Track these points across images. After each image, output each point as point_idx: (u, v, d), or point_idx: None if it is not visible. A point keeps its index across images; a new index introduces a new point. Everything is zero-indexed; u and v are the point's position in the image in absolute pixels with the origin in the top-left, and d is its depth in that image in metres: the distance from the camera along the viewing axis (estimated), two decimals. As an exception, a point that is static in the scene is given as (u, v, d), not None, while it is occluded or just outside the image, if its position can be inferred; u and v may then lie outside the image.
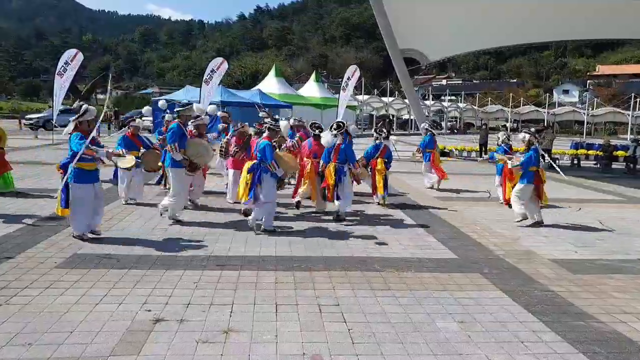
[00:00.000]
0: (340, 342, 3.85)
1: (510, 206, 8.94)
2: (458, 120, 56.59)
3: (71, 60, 19.27)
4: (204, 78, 19.42)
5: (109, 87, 22.80)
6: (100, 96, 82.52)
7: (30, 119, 32.01)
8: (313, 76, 38.25)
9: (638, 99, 43.46)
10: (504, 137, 10.19)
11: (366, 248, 6.59)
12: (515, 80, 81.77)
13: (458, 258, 6.30)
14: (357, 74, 19.87)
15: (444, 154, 21.33)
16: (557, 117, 49.61)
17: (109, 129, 30.50)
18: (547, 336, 4.08)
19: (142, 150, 8.69)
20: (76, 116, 6.43)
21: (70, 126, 6.44)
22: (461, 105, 54.70)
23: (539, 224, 8.15)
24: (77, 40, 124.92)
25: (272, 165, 7.00)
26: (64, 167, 6.51)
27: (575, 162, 20.51)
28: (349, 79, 19.81)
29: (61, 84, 19.37)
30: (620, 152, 20.07)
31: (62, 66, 19.08)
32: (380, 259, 6.05)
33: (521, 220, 8.22)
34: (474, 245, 6.98)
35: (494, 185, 10.66)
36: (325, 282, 5.19)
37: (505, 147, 9.99)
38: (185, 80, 62.48)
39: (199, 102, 19.20)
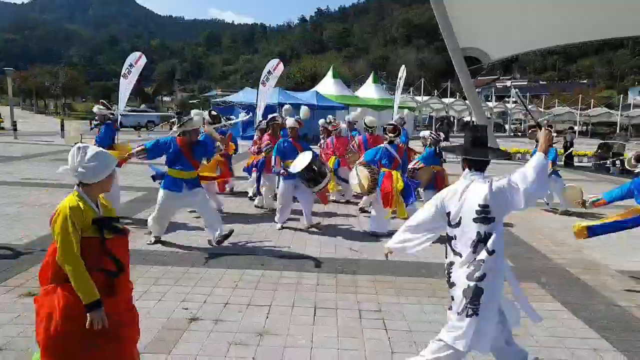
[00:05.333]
0: (378, 350, 3.63)
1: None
2: (522, 122, 54.25)
3: (135, 63, 20.03)
4: (261, 80, 19.63)
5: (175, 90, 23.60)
6: (165, 98, 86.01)
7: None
8: (371, 77, 37.84)
9: None
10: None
11: (413, 252, 6.27)
12: (585, 81, 77.35)
13: (514, 266, 5.87)
14: (404, 74, 19.70)
15: (506, 156, 20.42)
16: (632, 120, 46.39)
17: (170, 129, 31.63)
18: (610, 355, 3.66)
19: None
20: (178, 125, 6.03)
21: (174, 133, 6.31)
22: (526, 107, 52.37)
23: None
24: (146, 45, 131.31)
25: None
26: None
27: (652, 167, 18.99)
28: (400, 78, 19.65)
29: (126, 86, 20.24)
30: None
31: (127, 68, 19.86)
32: (429, 265, 5.73)
33: None
34: (533, 253, 6.51)
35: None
36: (369, 286, 4.97)
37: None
38: (247, 82, 63.82)
39: (256, 103, 19.50)
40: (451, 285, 2.95)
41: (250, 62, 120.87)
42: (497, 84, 74.91)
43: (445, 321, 4.18)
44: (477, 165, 3.00)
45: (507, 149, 20.84)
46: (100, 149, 2.73)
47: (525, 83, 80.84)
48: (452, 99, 44.65)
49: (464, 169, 3.07)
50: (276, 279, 5.11)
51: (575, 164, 19.50)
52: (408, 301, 4.60)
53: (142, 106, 49.36)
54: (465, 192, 2.93)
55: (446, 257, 3.03)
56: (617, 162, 17.52)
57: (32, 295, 4.44)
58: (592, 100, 51.03)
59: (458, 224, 2.93)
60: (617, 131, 37.92)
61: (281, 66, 20.47)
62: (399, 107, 22.26)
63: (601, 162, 18.34)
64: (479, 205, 2.84)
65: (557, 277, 5.49)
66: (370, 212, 7.63)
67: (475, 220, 2.84)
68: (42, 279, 2.69)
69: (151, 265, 5.37)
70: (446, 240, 3.02)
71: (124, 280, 2.75)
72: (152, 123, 36.93)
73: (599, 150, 18.66)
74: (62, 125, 27.41)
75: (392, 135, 7.23)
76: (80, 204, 2.60)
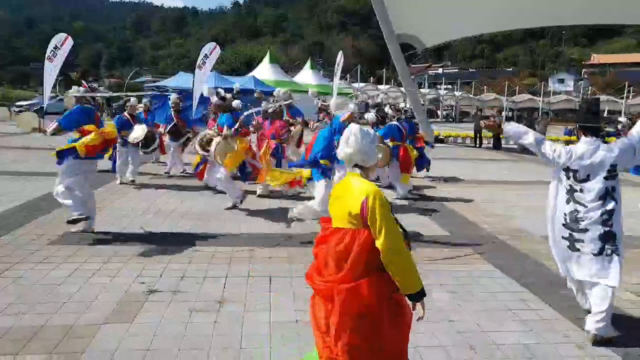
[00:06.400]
0: (332, 310, 3.89)
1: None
2: (454, 108, 56.51)
3: (61, 45, 18.94)
4: (197, 63, 19.14)
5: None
6: (92, 84, 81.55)
7: (20, 106, 31.73)
8: (308, 63, 37.97)
9: (631, 88, 43.56)
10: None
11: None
12: (511, 69, 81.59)
13: (450, 235, 6.35)
14: (342, 60, 20.01)
15: (439, 140, 21.46)
16: (552, 106, 49.62)
17: (101, 116, 30.20)
18: (535, 304, 4.15)
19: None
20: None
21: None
22: (457, 93, 54.55)
23: None
24: (68, 28, 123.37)
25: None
26: None
27: (569, 147, 20.61)
28: (338, 64, 19.93)
29: (51, 69, 19.12)
30: (612, 138, 20.18)
31: (52, 50, 18.73)
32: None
33: None
34: (467, 223, 7.04)
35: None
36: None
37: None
38: (180, 68, 61.97)
39: (192, 88, 19.11)
40: (582, 230, 3.56)
41: (182, 47, 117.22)
42: (429, 72, 77.24)
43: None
44: (592, 132, 3.64)
45: (440, 133, 21.93)
46: (366, 128, 2.54)
47: (457, 70, 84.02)
48: (387, 86, 45.72)
49: (579, 137, 3.74)
50: (229, 254, 5.24)
51: (503, 145, 20.74)
52: (357, 268, 4.90)
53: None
54: (595, 155, 3.55)
55: (564, 205, 3.66)
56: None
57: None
58: (517, 87, 54.00)
59: (585, 180, 3.58)
60: (540, 116, 40.41)
61: (218, 50, 20.03)
62: (338, 94, 22.67)
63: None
64: (610, 166, 3.52)
65: (490, 243, 6.00)
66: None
67: (606, 177, 3.52)
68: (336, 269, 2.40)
69: (101, 246, 5.34)
70: (566, 191, 3.67)
71: None
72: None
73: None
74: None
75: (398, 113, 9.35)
76: None
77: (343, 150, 2.49)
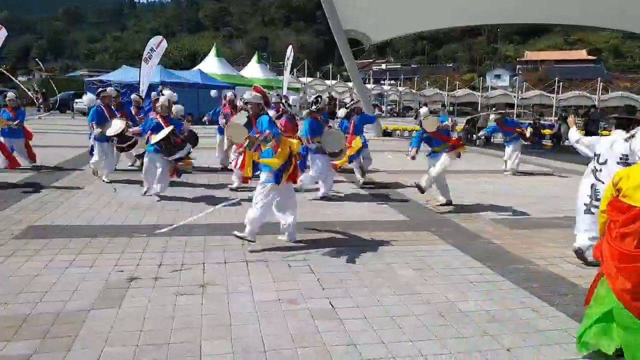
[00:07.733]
0: (311, 288, 4.16)
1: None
2: (397, 103, 57.99)
3: (-7, 36, 17.98)
4: (144, 57, 18.72)
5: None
6: (21, 78, 77.15)
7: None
8: (255, 57, 37.86)
9: (561, 84, 46.48)
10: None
11: (326, 213, 6.93)
12: (451, 65, 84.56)
13: (409, 220, 6.77)
14: (292, 54, 20.27)
15: (386, 134, 22.19)
16: (490, 100, 51.99)
17: (38, 111, 28.81)
18: (493, 277, 4.58)
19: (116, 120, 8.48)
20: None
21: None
22: (400, 89, 56.03)
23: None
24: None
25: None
26: None
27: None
28: (288, 58, 20.15)
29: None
30: (546, 131, 21.59)
31: (-17, 42, 17.75)
32: (340, 222, 6.40)
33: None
34: (422, 209, 7.49)
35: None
36: (291, 242, 5.46)
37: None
38: (117, 62, 59.79)
39: (139, 83, 18.64)
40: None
41: (119, 40, 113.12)
42: (373, 67, 78.67)
43: (363, 262, 4.85)
44: (620, 126, 4.80)
45: (388, 127, 22.66)
46: None
47: (399, 66, 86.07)
48: (334, 81, 46.30)
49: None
50: (202, 242, 5.38)
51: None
52: (328, 251, 5.18)
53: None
54: (613, 144, 4.75)
55: (588, 187, 4.96)
56: (482, 134, 19.92)
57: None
58: (458, 82, 56.15)
59: (605, 163, 4.80)
60: (479, 110, 42.17)
61: (164, 43, 19.70)
62: (288, 88, 22.85)
63: (468, 135, 20.69)
64: (622, 154, 4.66)
65: (445, 226, 6.46)
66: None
67: (618, 163, 4.64)
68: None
69: (70, 239, 5.32)
70: (591, 171, 4.98)
71: None
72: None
73: (466, 126, 20.97)
74: None
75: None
76: None
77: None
